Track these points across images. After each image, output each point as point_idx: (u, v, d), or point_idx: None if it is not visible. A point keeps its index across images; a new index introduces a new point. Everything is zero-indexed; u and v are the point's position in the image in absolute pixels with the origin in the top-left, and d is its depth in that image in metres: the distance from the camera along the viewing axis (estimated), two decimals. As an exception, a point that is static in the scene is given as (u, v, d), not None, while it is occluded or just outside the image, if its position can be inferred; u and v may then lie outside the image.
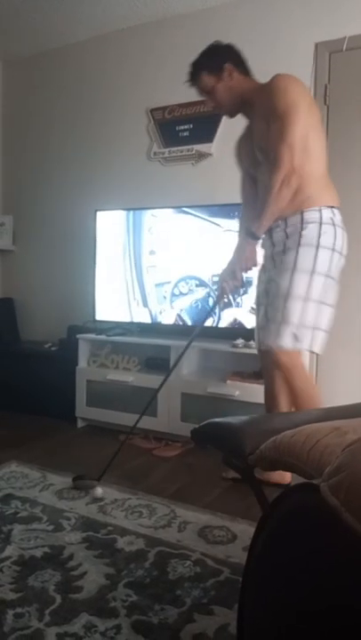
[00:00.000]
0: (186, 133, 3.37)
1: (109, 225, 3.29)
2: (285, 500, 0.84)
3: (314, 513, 0.74)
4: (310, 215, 1.96)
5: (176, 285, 3.10)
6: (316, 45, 2.94)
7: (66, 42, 3.73)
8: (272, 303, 2.01)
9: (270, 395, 2.21)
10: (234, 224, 2.91)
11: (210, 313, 2.32)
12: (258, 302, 2.21)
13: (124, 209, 3.26)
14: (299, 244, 1.95)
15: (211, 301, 2.98)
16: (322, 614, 0.72)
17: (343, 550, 0.67)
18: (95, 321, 3.36)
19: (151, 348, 3.14)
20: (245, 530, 1.87)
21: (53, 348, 3.52)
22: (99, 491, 2.19)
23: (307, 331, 1.94)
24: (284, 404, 2.16)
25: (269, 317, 2.02)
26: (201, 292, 3.02)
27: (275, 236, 2.07)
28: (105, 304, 3.32)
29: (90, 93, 3.72)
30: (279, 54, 3.02)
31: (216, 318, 2.99)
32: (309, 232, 1.95)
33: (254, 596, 0.91)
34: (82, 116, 3.76)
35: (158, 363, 3.09)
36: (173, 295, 3.10)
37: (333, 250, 1.96)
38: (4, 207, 4.13)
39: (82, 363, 3.26)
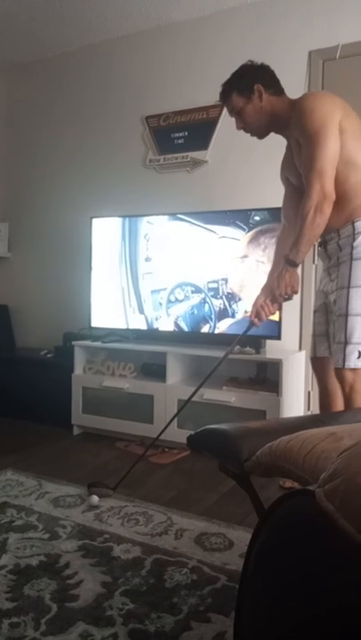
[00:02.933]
0: (181, 141, 3.39)
1: (105, 232, 3.29)
2: (282, 506, 0.84)
3: (310, 518, 0.74)
4: None
5: (172, 292, 3.10)
6: (310, 53, 2.96)
7: (62, 50, 3.75)
8: (334, 322, 1.98)
9: (324, 407, 2.17)
10: (229, 231, 2.93)
11: (244, 334, 2.27)
12: (316, 311, 2.18)
13: (119, 216, 3.27)
14: (351, 258, 1.90)
15: (206, 307, 2.99)
16: (320, 618, 0.72)
17: (339, 555, 0.67)
18: (91, 328, 3.36)
19: (147, 355, 3.14)
20: (242, 537, 1.87)
21: (49, 355, 3.51)
22: (95, 498, 2.18)
23: None
24: None
25: (334, 337, 1.97)
26: (197, 299, 3.03)
27: (329, 249, 2.03)
28: (101, 311, 3.32)
29: (85, 101, 3.74)
30: (273, 62, 3.02)
31: (212, 325, 2.99)
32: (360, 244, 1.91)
33: (251, 603, 0.91)
34: (77, 123, 3.77)
35: (154, 369, 3.08)
36: (169, 302, 3.11)
37: None
38: (-1, 214, 4.14)
39: (78, 370, 3.25)
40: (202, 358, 3.05)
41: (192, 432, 1.44)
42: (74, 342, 3.26)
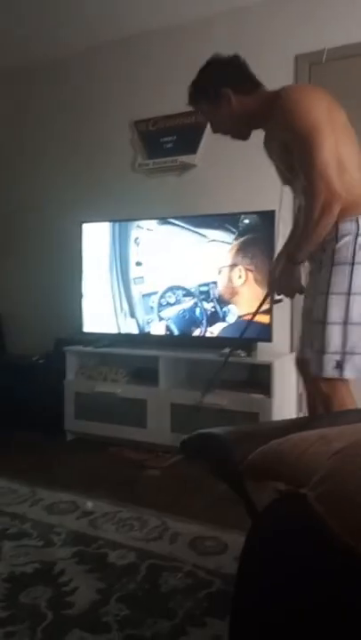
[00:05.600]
0: (170, 145, 3.40)
1: (95, 237, 3.30)
2: (275, 509, 0.84)
3: (302, 521, 0.74)
4: (345, 227, 1.78)
5: (163, 296, 3.11)
6: (297, 57, 2.98)
7: (51, 56, 3.75)
8: (311, 328, 1.87)
9: (312, 408, 2.11)
10: (219, 234, 2.94)
11: (246, 328, 2.23)
12: (304, 311, 2.09)
13: (109, 220, 3.27)
14: (332, 263, 1.78)
15: (197, 311, 3.00)
16: (314, 620, 0.72)
17: (331, 557, 0.68)
18: (83, 333, 3.35)
19: (139, 359, 3.14)
20: (236, 540, 1.87)
21: (41, 361, 3.50)
22: (89, 504, 2.18)
23: (352, 357, 1.77)
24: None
25: (312, 344, 1.86)
26: (188, 302, 3.04)
27: (313, 251, 1.91)
28: (92, 316, 3.32)
29: (74, 106, 3.74)
30: (260, 67, 3.04)
31: (203, 328, 3.00)
32: (343, 247, 1.77)
33: (246, 606, 0.91)
34: (66, 128, 3.77)
35: (147, 373, 3.08)
36: (161, 305, 3.11)
37: None
38: (-12, 221, 4.12)
39: (70, 375, 3.24)
40: (194, 362, 3.06)
41: (185, 436, 1.44)
42: (65, 348, 3.26)
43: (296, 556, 0.76)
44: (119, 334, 3.25)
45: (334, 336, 1.78)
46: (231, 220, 2.91)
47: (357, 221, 1.77)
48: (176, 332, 3.09)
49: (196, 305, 3.01)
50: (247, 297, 2.86)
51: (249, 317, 2.13)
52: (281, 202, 2.92)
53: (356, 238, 1.77)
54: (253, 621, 0.88)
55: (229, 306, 2.92)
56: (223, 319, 2.95)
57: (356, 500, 0.61)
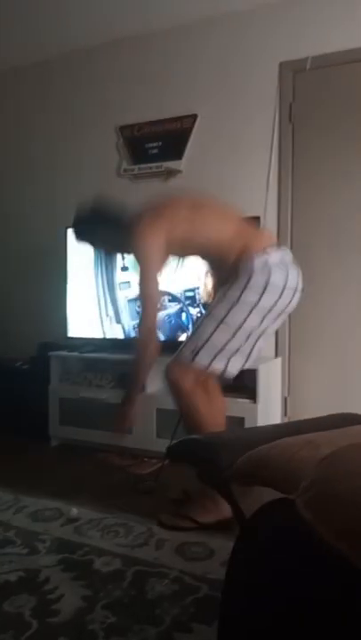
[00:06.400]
0: (155, 150, 3.40)
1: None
2: (263, 515, 0.85)
3: (291, 527, 0.75)
4: (244, 266, 2.05)
5: (148, 301, 3.09)
6: (281, 65, 3.01)
7: (36, 59, 3.74)
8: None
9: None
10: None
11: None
12: None
13: (94, 225, 3.25)
14: (241, 286, 2.05)
15: (184, 316, 3.00)
16: (304, 624, 0.72)
17: (320, 563, 0.68)
18: (67, 338, 3.33)
19: (125, 365, 3.11)
20: (223, 545, 1.87)
21: (25, 366, 3.47)
22: (74, 511, 2.16)
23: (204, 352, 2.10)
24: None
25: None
26: (173, 308, 3.04)
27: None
28: (77, 321, 3.30)
29: (59, 110, 3.73)
30: (244, 73, 3.10)
31: (189, 333, 2.99)
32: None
33: (234, 612, 0.91)
34: (52, 132, 3.76)
35: (132, 379, 3.07)
36: (146, 311, 3.10)
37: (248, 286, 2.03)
38: (-28, 224, 4.08)
39: (54, 380, 3.22)
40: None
41: (171, 442, 1.44)
42: (50, 352, 3.23)
43: (284, 561, 0.77)
44: (105, 339, 3.24)
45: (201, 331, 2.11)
46: (217, 225, 2.91)
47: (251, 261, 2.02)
48: (162, 338, 3.08)
49: (181, 310, 3.01)
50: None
51: None
52: (266, 208, 2.95)
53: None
54: (241, 627, 0.88)
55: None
56: (209, 324, 2.95)
57: (343, 505, 0.62)
